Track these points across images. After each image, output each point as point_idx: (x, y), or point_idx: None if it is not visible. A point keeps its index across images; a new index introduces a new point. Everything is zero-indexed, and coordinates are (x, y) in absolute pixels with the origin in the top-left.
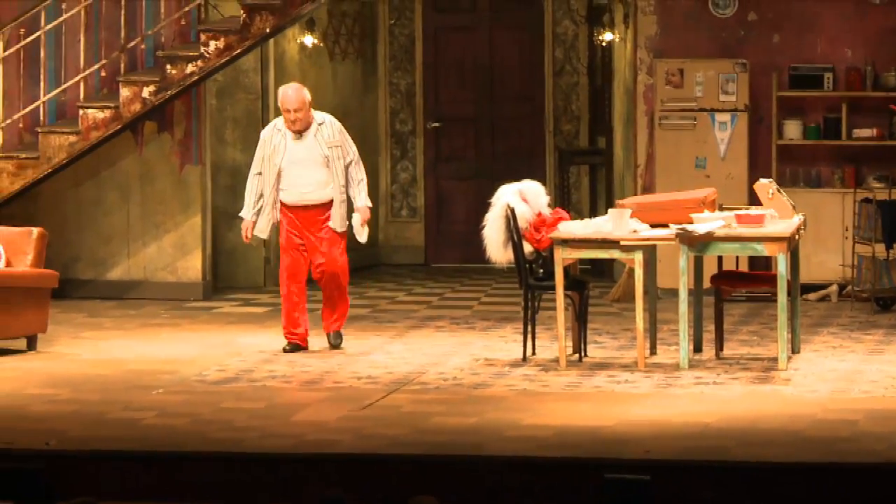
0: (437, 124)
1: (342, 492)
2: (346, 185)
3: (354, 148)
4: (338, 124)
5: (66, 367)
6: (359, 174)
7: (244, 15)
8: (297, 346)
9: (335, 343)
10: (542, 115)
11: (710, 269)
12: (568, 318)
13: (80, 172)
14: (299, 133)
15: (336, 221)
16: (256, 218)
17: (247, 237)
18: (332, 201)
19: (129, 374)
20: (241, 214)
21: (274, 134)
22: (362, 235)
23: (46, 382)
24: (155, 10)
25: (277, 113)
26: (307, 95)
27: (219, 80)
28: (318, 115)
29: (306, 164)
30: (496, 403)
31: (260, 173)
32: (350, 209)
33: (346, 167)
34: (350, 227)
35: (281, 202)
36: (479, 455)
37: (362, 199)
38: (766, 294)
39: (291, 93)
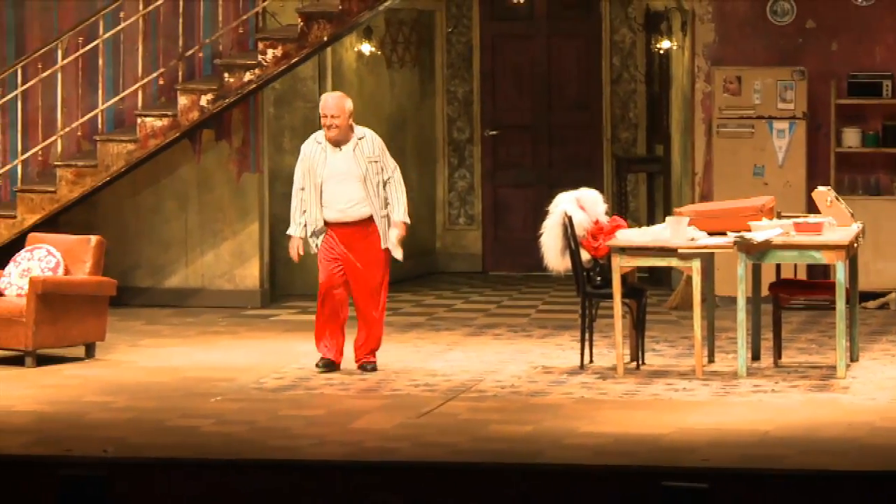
0: (494, 132)
1: (400, 499)
2: (386, 202)
3: (394, 165)
4: (379, 140)
5: (124, 374)
6: (396, 192)
7: (302, 23)
8: (330, 362)
9: (369, 369)
10: (600, 123)
11: (768, 277)
12: (625, 326)
13: (138, 180)
14: (337, 144)
15: (392, 251)
16: (305, 234)
17: (297, 255)
18: (370, 218)
19: (186, 381)
20: (288, 232)
21: (314, 147)
22: (398, 252)
23: (105, 390)
24: (213, 18)
25: None
26: (348, 105)
27: (276, 88)
28: (360, 130)
29: (345, 180)
30: (553, 411)
31: (303, 188)
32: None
33: (384, 183)
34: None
35: (324, 219)
36: (536, 463)
37: (399, 214)
38: (824, 302)
39: (332, 99)
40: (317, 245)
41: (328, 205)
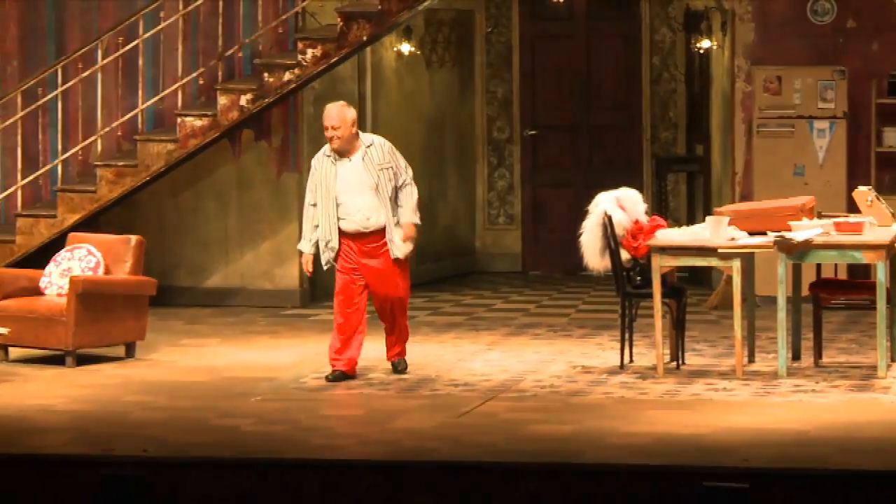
0: (533, 132)
1: (439, 499)
2: (397, 205)
3: (408, 169)
4: (388, 145)
5: (164, 374)
6: (406, 196)
7: (341, 23)
8: (342, 374)
9: (401, 369)
10: (640, 123)
11: (808, 276)
12: (665, 326)
13: (178, 180)
14: (344, 155)
15: (394, 249)
16: (315, 250)
17: (308, 270)
18: (385, 227)
19: (227, 381)
20: (299, 248)
21: (323, 161)
22: (402, 250)
23: (145, 389)
24: (252, 18)
25: (374, 121)
26: (350, 114)
27: (316, 87)
28: (367, 138)
29: (357, 190)
30: (593, 411)
31: (314, 204)
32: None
33: (398, 189)
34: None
35: (339, 230)
36: (576, 463)
37: (407, 216)
38: (864, 302)
39: (334, 110)
40: (329, 261)
41: (345, 216)
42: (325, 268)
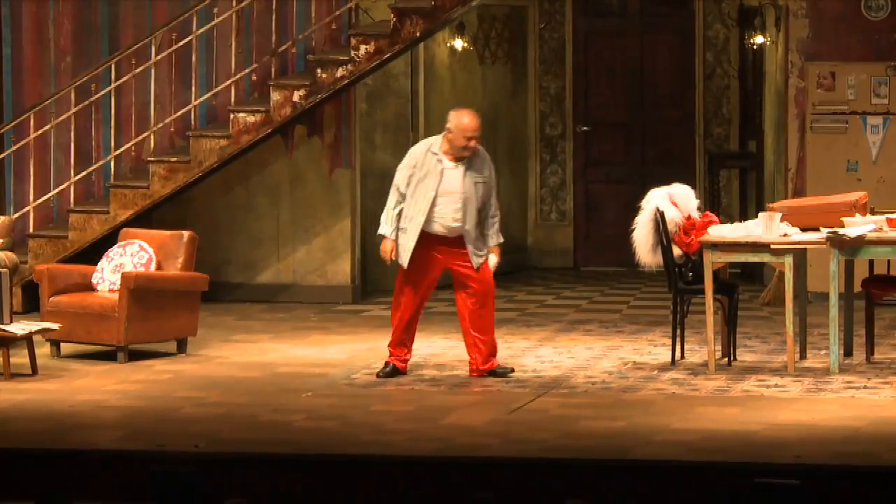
0: (586, 128)
1: (491, 495)
2: (481, 219)
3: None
4: (488, 157)
5: (215, 369)
6: (494, 209)
7: (394, 19)
8: (396, 369)
9: (504, 373)
10: (693, 119)
11: (861, 272)
12: (717, 322)
13: (230, 176)
14: (457, 160)
15: (476, 260)
16: (396, 237)
17: (390, 258)
18: (465, 236)
19: (278, 377)
20: (380, 232)
21: (430, 158)
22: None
23: (196, 385)
24: (306, 14)
25: (427, 116)
26: None
27: (368, 84)
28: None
29: (456, 196)
30: (645, 407)
31: (404, 194)
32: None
33: (486, 203)
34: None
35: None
36: (627, 459)
37: (497, 238)
38: None
39: (474, 118)
40: (401, 256)
41: (436, 218)
42: (403, 261)
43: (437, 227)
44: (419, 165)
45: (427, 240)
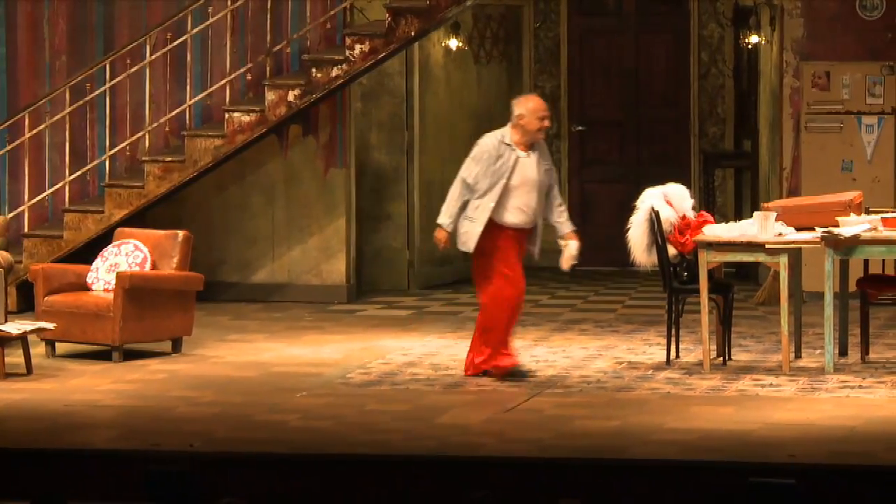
0: (581, 128)
1: (486, 495)
2: (546, 207)
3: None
4: (545, 144)
5: (210, 369)
6: (560, 197)
7: (389, 18)
8: (520, 369)
9: (524, 375)
10: (688, 118)
11: (855, 272)
12: (712, 322)
13: (225, 176)
14: (528, 148)
15: (535, 250)
16: (452, 228)
17: (444, 245)
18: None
19: (273, 376)
20: (439, 221)
21: (503, 148)
22: (569, 263)
23: (191, 385)
24: (301, 13)
25: (422, 116)
26: None
27: (363, 83)
28: None
29: (532, 186)
30: (639, 407)
31: (471, 186)
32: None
33: (552, 187)
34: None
35: (503, 222)
36: (622, 459)
37: (570, 224)
38: None
39: (539, 99)
40: (465, 245)
41: (515, 210)
42: (467, 249)
43: (513, 218)
44: (491, 157)
45: (511, 234)
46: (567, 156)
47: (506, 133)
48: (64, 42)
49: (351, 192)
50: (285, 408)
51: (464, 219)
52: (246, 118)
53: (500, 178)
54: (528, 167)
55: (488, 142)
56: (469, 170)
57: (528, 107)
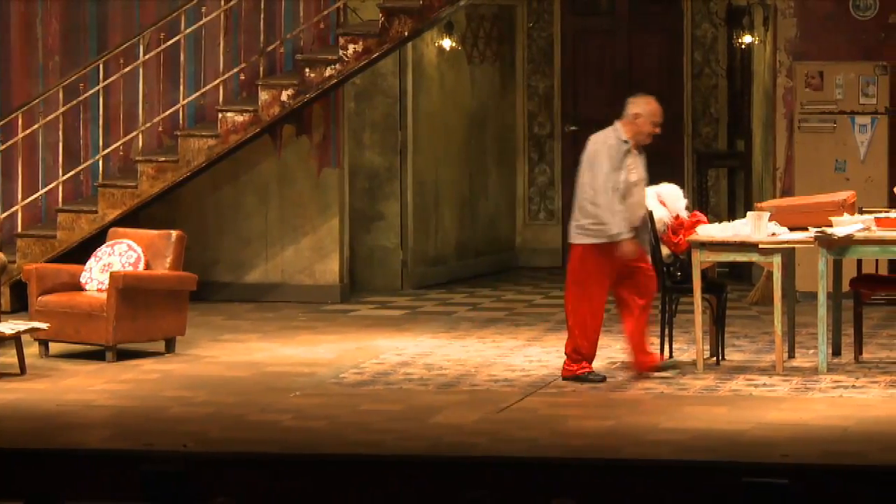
0: (574, 128)
1: (479, 495)
2: None
3: None
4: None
5: (204, 369)
6: None
7: (382, 18)
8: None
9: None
10: (681, 118)
11: (849, 272)
12: (706, 322)
13: (218, 176)
14: (636, 148)
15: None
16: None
17: (635, 253)
18: None
19: (266, 376)
20: (617, 233)
21: (622, 147)
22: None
23: (184, 385)
24: (294, 13)
25: (415, 116)
26: None
27: (357, 83)
28: None
29: (643, 183)
30: (633, 407)
31: (616, 188)
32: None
33: None
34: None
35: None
36: (615, 458)
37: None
38: None
39: (658, 104)
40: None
41: (632, 206)
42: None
43: (635, 215)
44: (614, 157)
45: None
46: (560, 156)
47: (620, 131)
48: (57, 42)
49: (344, 192)
50: (279, 408)
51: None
52: (239, 118)
53: (628, 180)
54: (640, 166)
55: (609, 140)
56: (606, 174)
57: (646, 108)
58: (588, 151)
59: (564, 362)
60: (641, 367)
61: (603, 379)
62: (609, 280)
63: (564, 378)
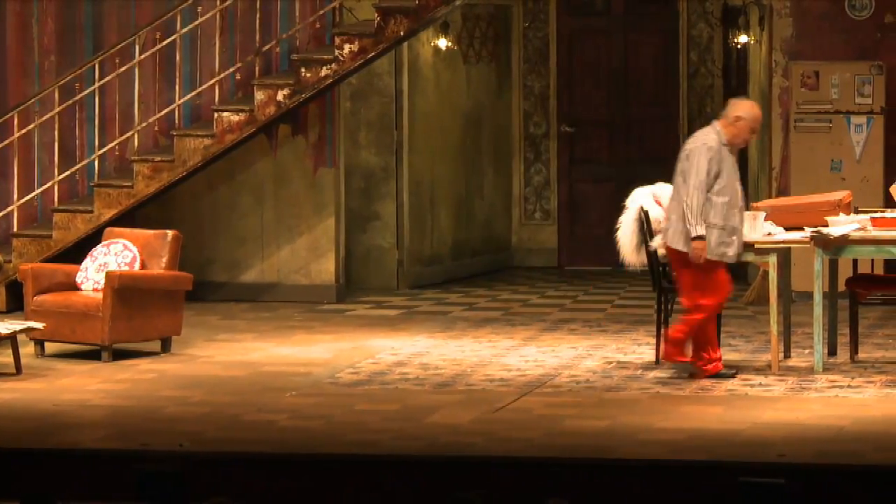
0: (570, 129)
1: (474, 493)
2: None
3: None
4: None
5: (199, 369)
6: None
7: (378, 18)
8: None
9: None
10: (677, 118)
11: (844, 272)
12: None
13: (214, 175)
14: (733, 151)
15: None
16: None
17: (703, 258)
18: None
19: (262, 376)
20: (700, 233)
21: (723, 149)
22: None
23: (180, 384)
24: (290, 13)
25: (411, 115)
26: None
27: (353, 83)
28: None
29: (739, 185)
30: (628, 406)
31: (710, 189)
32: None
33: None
34: None
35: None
36: (611, 458)
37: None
38: None
39: (760, 111)
40: (726, 255)
41: (729, 210)
42: (730, 260)
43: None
44: (715, 158)
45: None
46: (556, 155)
47: (720, 132)
48: (53, 42)
49: (340, 192)
50: (274, 407)
51: (708, 227)
52: (235, 118)
53: (732, 181)
54: (736, 169)
55: (710, 141)
56: (705, 175)
57: (749, 113)
58: (686, 150)
59: (698, 364)
60: (670, 357)
61: (734, 374)
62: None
63: (708, 377)
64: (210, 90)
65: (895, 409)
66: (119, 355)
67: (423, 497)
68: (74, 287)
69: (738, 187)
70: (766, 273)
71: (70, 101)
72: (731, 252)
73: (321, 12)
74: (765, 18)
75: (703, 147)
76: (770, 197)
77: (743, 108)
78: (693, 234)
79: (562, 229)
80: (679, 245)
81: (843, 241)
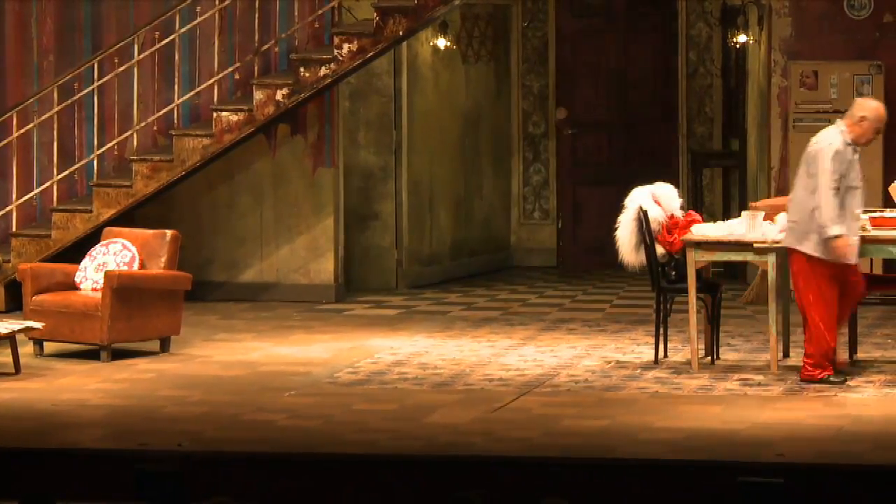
0: (572, 131)
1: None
2: None
3: None
4: None
5: (198, 368)
6: None
7: (377, 18)
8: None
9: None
10: (676, 118)
11: None
12: (700, 321)
13: (213, 175)
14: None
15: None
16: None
17: (851, 257)
18: None
19: (261, 375)
20: (838, 232)
21: (848, 149)
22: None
23: (179, 384)
24: (289, 13)
25: (410, 115)
26: None
27: (352, 82)
28: None
29: (860, 193)
30: (627, 406)
31: (838, 189)
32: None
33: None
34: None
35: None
36: (610, 458)
37: None
38: None
39: (885, 111)
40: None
41: (850, 215)
42: (855, 261)
43: (854, 224)
44: (842, 159)
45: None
46: (555, 155)
47: (844, 132)
48: (52, 41)
49: (339, 192)
50: (273, 407)
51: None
52: (234, 117)
53: (856, 182)
54: (860, 169)
55: (835, 142)
56: (832, 174)
57: (874, 113)
58: (809, 152)
59: (804, 365)
60: (812, 377)
61: (844, 381)
62: (837, 279)
63: (802, 380)
64: (209, 90)
65: (894, 409)
66: (118, 355)
67: (422, 496)
68: (73, 287)
69: (860, 185)
70: (764, 273)
71: (69, 101)
72: (850, 256)
73: (320, 12)
74: (764, 18)
75: (829, 148)
76: (769, 196)
77: (868, 109)
78: (829, 235)
79: (561, 229)
80: (807, 248)
81: None
